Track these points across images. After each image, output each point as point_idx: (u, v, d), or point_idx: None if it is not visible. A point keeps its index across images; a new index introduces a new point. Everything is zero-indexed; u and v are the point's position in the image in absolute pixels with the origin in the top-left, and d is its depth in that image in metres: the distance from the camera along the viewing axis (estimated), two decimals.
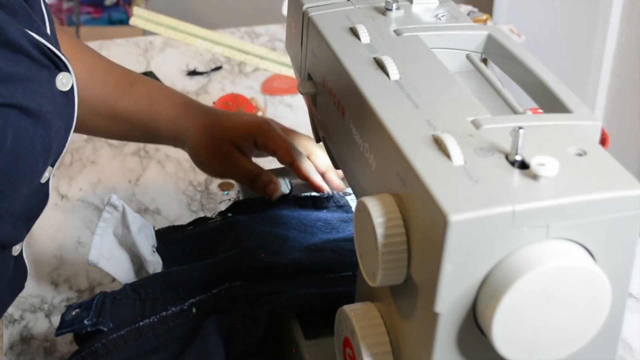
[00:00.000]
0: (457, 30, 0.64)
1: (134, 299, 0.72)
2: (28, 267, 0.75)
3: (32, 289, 0.84)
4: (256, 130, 0.84)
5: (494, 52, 0.62)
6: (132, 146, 1.10)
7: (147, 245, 0.77)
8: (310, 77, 0.70)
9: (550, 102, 0.55)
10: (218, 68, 1.32)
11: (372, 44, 0.62)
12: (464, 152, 0.48)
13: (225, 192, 1.00)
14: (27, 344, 0.78)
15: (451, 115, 0.52)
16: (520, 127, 0.47)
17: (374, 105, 0.54)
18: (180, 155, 1.07)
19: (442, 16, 0.66)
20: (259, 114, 1.13)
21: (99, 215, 0.75)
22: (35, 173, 0.66)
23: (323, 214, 0.83)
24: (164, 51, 1.39)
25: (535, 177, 0.46)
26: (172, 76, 1.30)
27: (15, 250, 0.70)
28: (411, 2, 0.67)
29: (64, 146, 0.68)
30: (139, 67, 1.33)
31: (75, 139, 1.10)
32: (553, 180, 0.46)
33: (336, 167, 0.76)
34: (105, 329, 0.69)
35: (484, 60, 0.64)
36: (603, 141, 0.80)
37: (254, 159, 0.88)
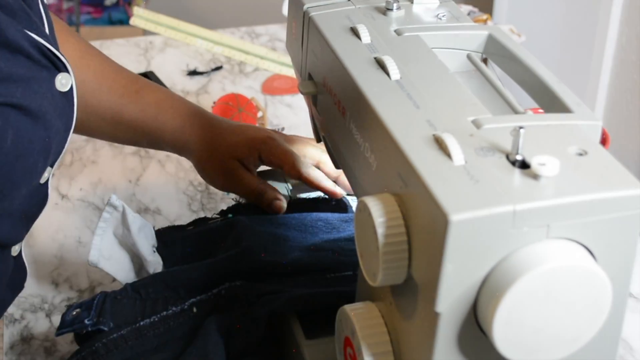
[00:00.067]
0: (458, 30, 0.64)
1: (135, 298, 0.72)
2: (28, 267, 0.75)
3: (32, 289, 0.84)
4: (261, 146, 0.84)
5: (495, 52, 0.63)
6: (132, 146, 1.10)
7: (147, 245, 0.77)
8: (310, 77, 0.70)
9: (550, 102, 0.55)
10: (218, 68, 1.32)
11: (373, 44, 0.62)
12: (464, 152, 0.48)
13: (226, 193, 1.00)
14: (27, 343, 0.78)
15: (452, 115, 0.52)
16: (520, 127, 0.47)
17: (375, 105, 0.54)
18: None
19: (443, 16, 0.66)
20: (259, 114, 1.13)
21: (99, 215, 0.75)
22: (35, 173, 0.66)
23: (323, 214, 0.83)
24: (164, 51, 1.39)
25: (535, 176, 0.46)
26: (172, 76, 1.30)
27: (15, 251, 0.70)
28: (412, 2, 0.67)
29: (63, 147, 0.68)
30: (139, 67, 1.33)
31: (75, 139, 1.10)
32: (554, 180, 0.46)
33: (337, 167, 0.76)
34: (105, 329, 0.69)
35: (485, 60, 0.64)
36: (603, 141, 0.80)
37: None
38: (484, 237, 0.44)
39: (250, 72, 1.33)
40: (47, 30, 0.67)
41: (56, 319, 0.81)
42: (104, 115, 0.85)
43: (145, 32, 1.51)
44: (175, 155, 1.07)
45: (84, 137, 1.11)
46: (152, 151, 1.09)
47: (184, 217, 0.96)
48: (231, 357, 0.68)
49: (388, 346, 0.54)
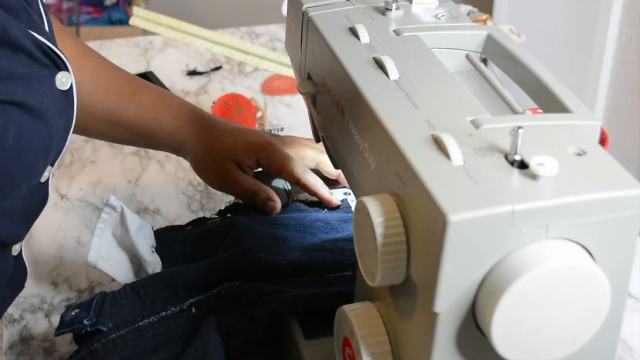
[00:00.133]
0: (457, 30, 0.64)
1: (134, 299, 0.72)
2: (28, 267, 0.75)
3: (31, 289, 0.84)
4: (259, 151, 0.84)
5: (494, 52, 0.62)
6: (132, 146, 1.10)
7: (146, 246, 0.77)
8: (309, 77, 0.70)
9: (549, 102, 0.55)
10: (218, 68, 1.32)
11: (372, 44, 0.62)
12: (463, 152, 0.48)
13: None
14: (26, 343, 0.78)
15: (451, 115, 0.52)
16: (519, 127, 0.47)
17: (374, 105, 0.54)
18: None
19: (442, 16, 0.66)
20: (259, 114, 1.13)
21: (99, 216, 0.75)
22: (36, 172, 0.66)
23: (322, 214, 0.83)
24: (164, 51, 1.39)
25: (534, 176, 0.46)
26: (172, 76, 1.30)
27: (15, 250, 0.70)
28: (411, 2, 0.67)
29: (63, 145, 0.69)
30: (139, 67, 1.33)
31: (75, 139, 1.10)
32: (552, 180, 0.46)
33: (336, 167, 0.76)
34: (104, 329, 0.69)
35: (484, 60, 0.64)
36: (602, 141, 0.80)
37: None
38: (482, 237, 0.44)
39: (250, 72, 1.33)
40: (47, 29, 0.67)
41: (55, 319, 0.81)
42: (101, 116, 0.85)
43: (145, 32, 1.51)
44: (174, 156, 1.07)
45: (83, 137, 1.11)
46: (151, 151, 1.09)
47: (184, 217, 0.96)
48: (230, 357, 0.68)
49: (387, 346, 0.54)
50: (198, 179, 1.02)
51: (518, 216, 0.44)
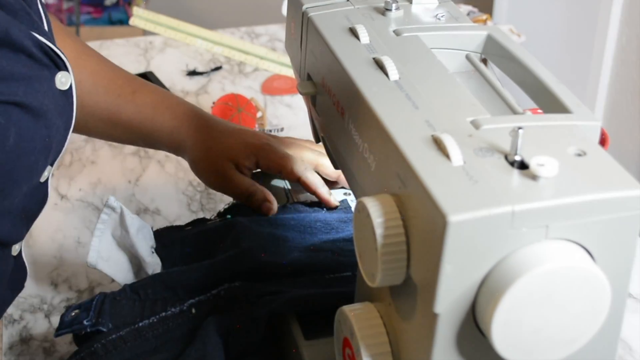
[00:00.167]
0: (457, 31, 0.64)
1: (134, 299, 0.72)
2: (28, 268, 0.75)
3: (31, 289, 0.84)
4: (258, 152, 0.84)
5: (494, 52, 0.62)
6: (132, 146, 1.10)
7: (145, 247, 0.77)
8: (309, 78, 0.70)
9: (549, 103, 0.55)
10: (218, 68, 1.32)
11: (372, 44, 0.61)
12: (463, 153, 0.48)
13: None
14: (26, 344, 0.78)
15: (451, 116, 0.52)
16: (519, 128, 0.47)
17: (374, 105, 0.54)
18: None
19: (442, 16, 0.66)
20: (259, 114, 1.13)
21: (99, 216, 0.75)
22: (36, 171, 0.66)
23: (322, 215, 0.83)
24: (164, 51, 1.39)
25: (534, 177, 0.46)
26: (172, 76, 1.30)
27: (15, 250, 0.70)
28: (410, 2, 0.67)
29: (63, 145, 0.69)
30: (139, 67, 1.33)
31: (75, 139, 1.10)
32: (552, 181, 0.46)
33: (336, 167, 0.76)
34: (104, 330, 0.69)
35: (484, 61, 0.64)
36: (603, 141, 0.80)
37: None
38: (482, 237, 0.44)
39: (250, 72, 1.33)
40: (46, 29, 0.67)
41: (55, 320, 0.80)
42: (101, 116, 0.85)
43: (145, 32, 1.51)
44: (174, 156, 1.07)
45: (83, 137, 1.11)
46: (151, 151, 1.09)
47: (184, 218, 0.96)
48: (230, 357, 0.68)
49: (387, 347, 0.54)
50: (198, 179, 1.02)
51: (518, 216, 0.44)
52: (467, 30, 0.64)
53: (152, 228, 0.80)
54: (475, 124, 0.51)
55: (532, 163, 0.46)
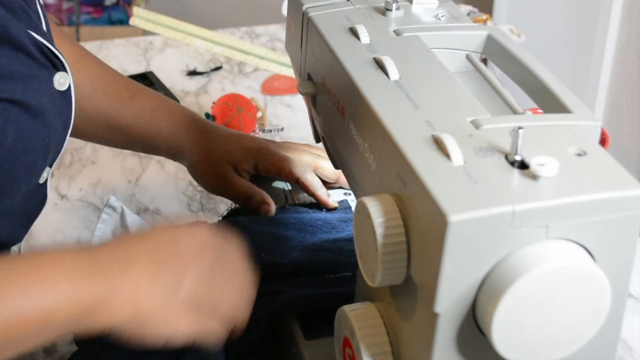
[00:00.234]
0: (457, 31, 0.64)
1: None
2: None
3: None
4: (257, 155, 0.84)
5: (494, 52, 0.62)
6: None
7: None
8: (310, 77, 0.70)
9: (550, 102, 0.55)
10: (218, 68, 1.32)
11: (372, 44, 0.62)
12: (463, 152, 0.48)
13: None
14: None
15: (451, 116, 0.52)
16: (520, 127, 0.47)
17: (374, 105, 0.54)
18: None
19: (442, 16, 0.66)
20: (259, 114, 1.13)
21: (99, 216, 0.75)
22: (35, 172, 0.66)
23: (322, 214, 0.83)
24: (164, 51, 1.39)
25: (534, 177, 0.46)
26: (172, 76, 1.30)
27: (14, 252, 0.70)
28: (411, 2, 0.67)
29: (62, 146, 0.69)
30: (139, 68, 1.33)
31: (75, 139, 1.10)
32: (553, 181, 0.46)
33: (336, 167, 0.76)
34: None
35: (484, 61, 0.64)
36: (603, 141, 0.80)
37: None
38: (483, 237, 0.44)
39: (250, 72, 1.33)
40: (44, 29, 0.67)
41: None
42: (99, 120, 0.85)
43: (145, 32, 1.51)
44: None
45: None
46: None
47: (184, 218, 0.96)
48: (231, 357, 0.68)
49: (387, 347, 0.54)
50: None
51: (518, 216, 0.44)
52: (467, 30, 0.64)
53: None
54: (476, 124, 0.51)
55: (533, 163, 0.46)
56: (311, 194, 0.85)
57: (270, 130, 1.13)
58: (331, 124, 0.65)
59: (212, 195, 1.00)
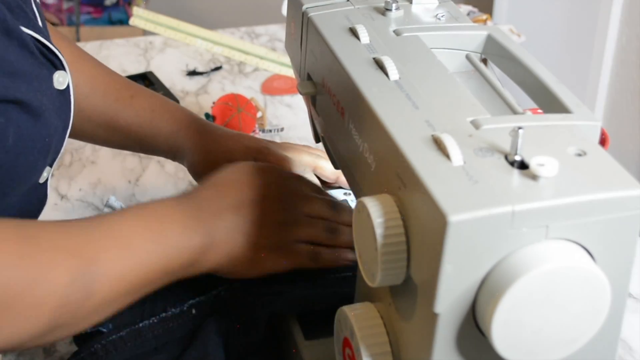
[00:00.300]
0: (457, 31, 0.64)
1: None
2: None
3: None
4: (257, 155, 0.84)
5: (494, 52, 0.62)
6: None
7: None
8: (309, 77, 0.70)
9: (549, 103, 0.55)
10: (218, 68, 1.32)
11: (372, 44, 0.61)
12: (463, 153, 0.48)
13: None
14: None
15: (451, 116, 0.52)
16: (519, 128, 0.47)
17: (374, 105, 0.54)
18: None
19: (442, 16, 0.66)
20: (259, 114, 1.13)
21: None
22: (35, 171, 0.66)
23: None
24: (164, 51, 1.39)
25: (534, 177, 0.46)
26: (172, 76, 1.30)
27: None
28: (411, 2, 0.67)
29: (61, 146, 0.69)
30: (139, 68, 1.33)
31: (74, 139, 1.10)
32: (552, 181, 0.46)
33: (336, 167, 0.76)
34: (104, 330, 0.69)
35: (484, 61, 0.64)
36: (603, 141, 0.80)
37: None
38: (482, 237, 0.44)
39: (250, 72, 1.33)
40: (41, 27, 0.67)
41: None
42: (98, 120, 0.85)
43: (145, 32, 1.51)
44: None
45: None
46: None
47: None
48: (231, 358, 0.68)
49: (387, 347, 0.54)
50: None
51: (518, 216, 0.44)
52: (467, 30, 0.64)
53: None
54: (476, 124, 0.51)
55: (532, 163, 0.46)
56: None
57: (270, 130, 1.13)
58: (331, 124, 0.65)
59: None
